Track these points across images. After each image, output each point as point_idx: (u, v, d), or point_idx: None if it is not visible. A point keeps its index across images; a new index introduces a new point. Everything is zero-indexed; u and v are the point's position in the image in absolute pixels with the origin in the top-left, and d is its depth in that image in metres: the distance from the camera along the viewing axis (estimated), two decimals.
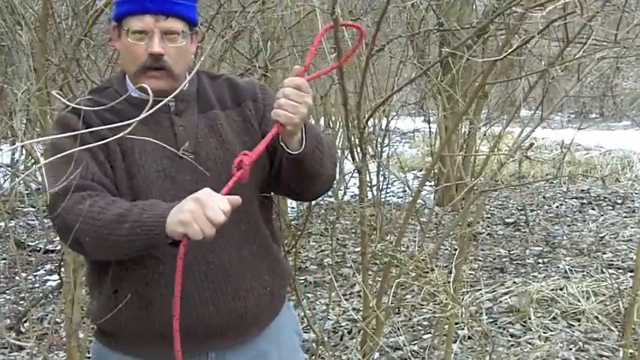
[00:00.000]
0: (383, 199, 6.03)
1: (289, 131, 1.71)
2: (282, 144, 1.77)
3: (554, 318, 4.48)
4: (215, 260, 1.81)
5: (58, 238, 4.98)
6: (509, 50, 2.36)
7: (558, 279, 5.04)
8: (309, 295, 5.04)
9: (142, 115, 1.16)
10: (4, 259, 6.04)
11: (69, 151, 1.54)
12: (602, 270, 5.13)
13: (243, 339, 1.90)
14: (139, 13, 1.75)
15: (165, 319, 1.73)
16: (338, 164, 3.18)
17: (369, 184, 5.99)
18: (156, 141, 1.60)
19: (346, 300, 4.79)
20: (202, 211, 1.56)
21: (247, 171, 1.67)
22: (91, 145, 1.42)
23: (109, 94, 1.83)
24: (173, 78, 1.79)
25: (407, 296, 4.64)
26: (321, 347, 3.65)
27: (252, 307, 1.86)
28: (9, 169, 7.02)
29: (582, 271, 5.28)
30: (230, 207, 1.60)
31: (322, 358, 3.96)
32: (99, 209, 1.65)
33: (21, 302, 5.04)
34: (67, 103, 1.60)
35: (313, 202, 4.14)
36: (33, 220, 7.16)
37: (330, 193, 7.43)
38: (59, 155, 1.57)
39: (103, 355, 1.93)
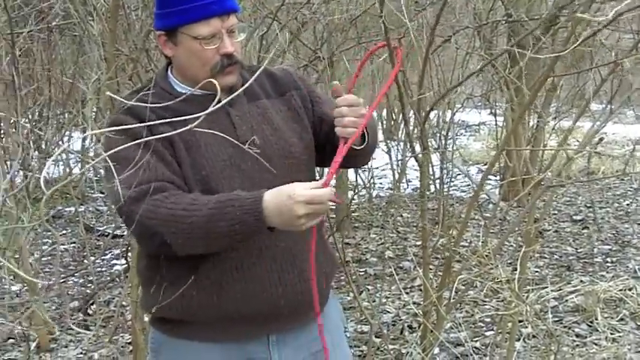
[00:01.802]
0: (446, 193, 5.97)
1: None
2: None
3: (622, 319, 4.36)
4: (283, 244, 1.85)
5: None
6: (576, 43, 2.29)
7: (627, 279, 4.90)
8: (369, 288, 5.03)
9: (210, 110, 1.19)
10: (74, 243, 6.20)
11: (136, 155, 1.65)
12: None
13: (304, 322, 1.93)
14: (206, 18, 1.76)
15: (235, 302, 1.81)
16: (398, 155, 3.19)
17: (432, 178, 5.95)
18: (219, 133, 1.62)
19: (406, 293, 4.76)
20: (314, 205, 1.66)
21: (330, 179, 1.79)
22: (156, 137, 1.46)
23: (158, 94, 1.84)
24: (241, 69, 1.86)
25: (469, 292, 4.58)
26: (379, 340, 3.64)
27: (311, 289, 1.89)
28: (79, 155, 7.21)
29: None
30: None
31: (381, 350, 3.95)
32: (184, 212, 1.69)
33: (89, 285, 5.17)
34: (123, 100, 1.62)
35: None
36: (101, 206, 7.34)
37: (390, 185, 7.37)
38: (124, 157, 1.64)
39: (165, 342, 1.95)
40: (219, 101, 1.25)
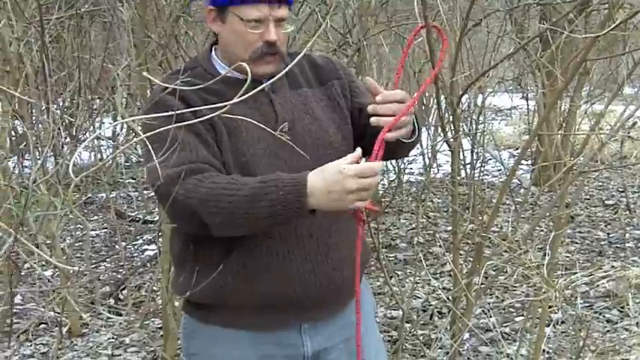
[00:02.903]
0: (477, 178, 5.92)
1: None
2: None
3: None
4: (316, 233, 1.85)
5: (157, 210, 5.14)
6: (612, 26, 2.25)
7: None
8: (399, 273, 5.02)
9: (244, 96, 1.20)
10: (105, 228, 6.27)
11: (177, 135, 1.65)
12: None
13: (336, 311, 1.94)
14: (256, 2, 1.78)
15: (268, 289, 1.82)
16: (429, 140, 3.18)
17: (463, 162, 5.91)
18: (257, 123, 1.65)
19: (436, 279, 4.75)
20: (363, 181, 1.66)
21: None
22: (197, 121, 1.47)
23: (199, 74, 1.85)
24: (282, 61, 1.86)
25: (499, 277, 4.55)
26: (409, 325, 3.64)
27: (348, 278, 1.90)
28: (110, 141, 7.28)
29: None
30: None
31: (411, 335, 3.95)
32: (224, 191, 1.69)
33: (120, 270, 5.23)
34: (162, 84, 1.63)
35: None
36: (133, 192, 7.41)
37: (421, 170, 7.33)
38: (164, 138, 1.63)
39: (197, 329, 1.96)
40: (252, 86, 1.26)
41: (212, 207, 1.69)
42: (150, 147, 1.53)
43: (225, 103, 1.24)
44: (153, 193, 1.92)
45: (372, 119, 1.79)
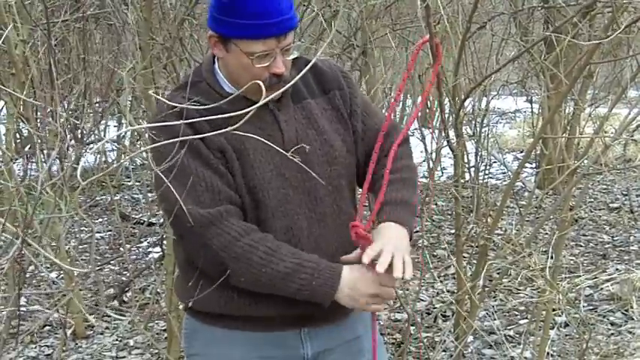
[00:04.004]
0: (481, 181, 5.92)
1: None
2: None
3: None
4: (320, 251, 1.84)
5: (160, 212, 5.14)
6: (617, 32, 2.25)
7: None
8: None
9: (248, 114, 1.20)
10: (110, 231, 6.28)
11: (188, 165, 1.69)
12: None
13: (338, 320, 1.94)
14: (263, 37, 1.70)
15: (274, 305, 1.83)
16: (433, 143, 3.19)
17: (467, 165, 5.90)
18: (270, 144, 1.64)
19: (440, 282, 4.74)
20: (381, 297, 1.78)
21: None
22: (207, 151, 1.53)
23: (204, 91, 1.81)
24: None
25: (503, 280, 4.55)
26: (413, 327, 3.64)
27: None
28: (117, 146, 7.29)
29: None
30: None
31: (415, 338, 3.95)
32: (260, 260, 1.72)
33: (124, 273, 5.24)
34: (168, 102, 1.60)
35: None
36: (137, 194, 7.41)
37: (425, 173, 7.34)
38: (177, 167, 1.65)
39: (199, 329, 1.96)
40: (254, 103, 1.26)
41: (242, 268, 1.73)
42: (165, 175, 1.54)
43: (234, 127, 1.24)
44: (161, 207, 1.92)
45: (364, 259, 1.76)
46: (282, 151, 1.66)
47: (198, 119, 1.52)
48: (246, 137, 1.63)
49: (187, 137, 1.57)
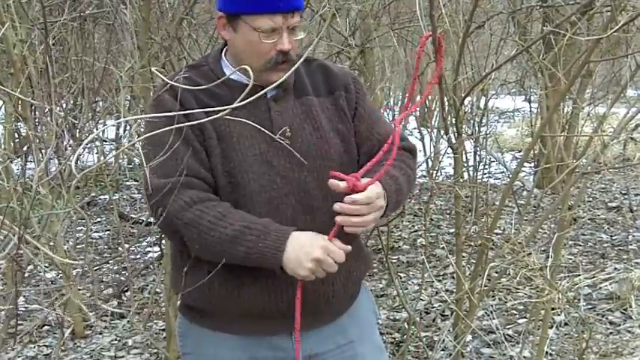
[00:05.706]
0: (480, 180, 5.92)
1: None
2: None
3: None
4: None
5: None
6: (614, 29, 2.25)
7: None
8: (401, 275, 5.02)
9: (244, 101, 1.19)
10: (108, 230, 6.28)
11: (170, 139, 1.67)
12: None
13: (327, 320, 1.94)
14: (270, 13, 1.75)
15: (256, 299, 1.83)
16: (432, 142, 3.18)
17: (466, 164, 5.91)
18: (252, 123, 1.65)
19: (439, 281, 4.74)
20: (322, 267, 1.74)
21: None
22: (187, 124, 1.48)
23: (205, 74, 1.86)
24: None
25: (502, 279, 4.55)
26: (413, 327, 3.64)
27: (338, 292, 1.91)
28: (113, 143, 7.29)
29: None
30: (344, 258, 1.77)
31: (415, 337, 3.95)
32: (209, 224, 1.72)
33: (123, 272, 5.23)
34: (166, 80, 1.64)
35: None
36: (135, 194, 7.41)
37: (423, 172, 7.33)
38: (160, 141, 1.66)
39: (190, 329, 1.98)
40: (255, 91, 1.26)
41: (193, 234, 1.74)
42: (146, 149, 1.56)
43: (222, 108, 1.24)
44: None
45: (338, 218, 1.76)
46: (270, 133, 1.71)
47: (188, 96, 1.63)
48: (231, 121, 1.67)
49: (172, 113, 1.61)
